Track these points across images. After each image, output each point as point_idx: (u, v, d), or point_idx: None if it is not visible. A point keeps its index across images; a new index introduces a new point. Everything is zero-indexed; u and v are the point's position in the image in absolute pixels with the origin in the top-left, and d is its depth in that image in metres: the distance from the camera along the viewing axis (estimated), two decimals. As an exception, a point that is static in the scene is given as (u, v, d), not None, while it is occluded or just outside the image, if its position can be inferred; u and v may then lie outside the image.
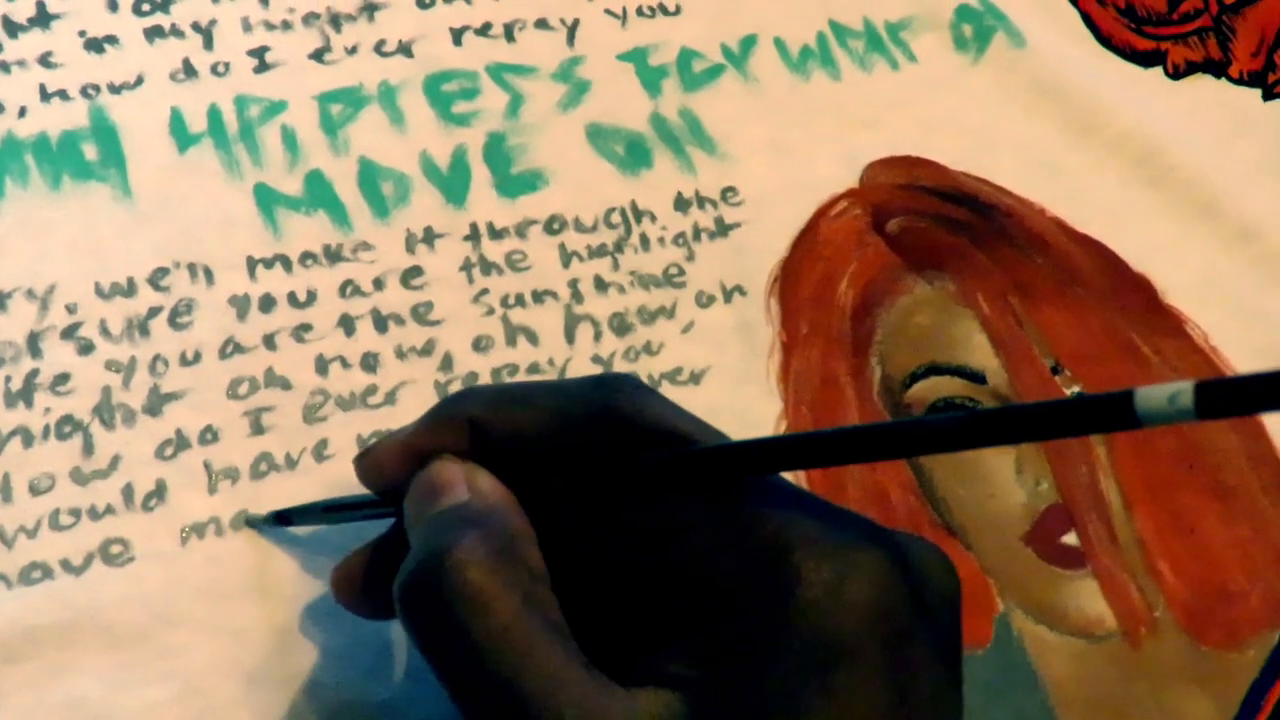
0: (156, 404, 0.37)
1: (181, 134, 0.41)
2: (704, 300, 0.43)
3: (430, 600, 0.27)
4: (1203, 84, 0.53)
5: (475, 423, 0.30)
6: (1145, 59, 0.53)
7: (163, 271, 0.39)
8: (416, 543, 0.29)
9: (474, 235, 0.42)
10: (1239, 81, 0.53)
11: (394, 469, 0.31)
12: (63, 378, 0.37)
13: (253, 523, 0.37)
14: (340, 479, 0.36)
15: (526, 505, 0.29)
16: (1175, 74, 0.53)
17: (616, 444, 0.29)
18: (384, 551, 0.32)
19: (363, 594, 0.32)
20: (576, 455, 0.29)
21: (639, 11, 0.47)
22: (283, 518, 0.36)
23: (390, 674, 0.35)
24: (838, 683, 0.25)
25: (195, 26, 0.43)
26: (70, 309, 0.38)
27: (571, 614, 0.27)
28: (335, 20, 0.44)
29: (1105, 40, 0.53)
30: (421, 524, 0.29)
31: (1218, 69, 0.53)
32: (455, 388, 0.39)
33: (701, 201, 0.44)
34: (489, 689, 0.26)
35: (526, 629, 0.26)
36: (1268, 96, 0.53)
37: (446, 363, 0.40)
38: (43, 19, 0.41)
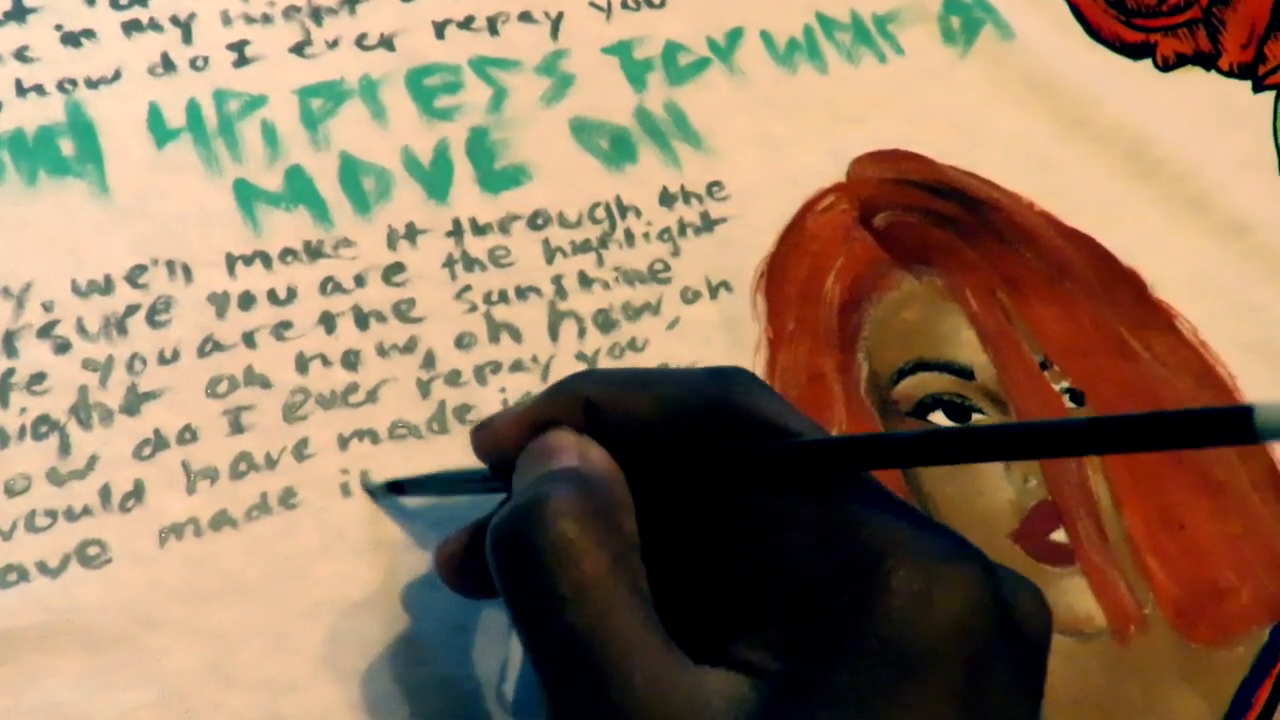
0: (134, 403, 0.37)
1: (160, 129, 0.41)
2: (689, 296, 0.42)
3: (521, 545, 0.27)
4: (1192, 76, 0.53)
5: (591, 402, 0.30)
6: (1134, 51, 0.52)
7: (141, 269, 0.38)
8: (517, 495, 0.29)
9: (457, 231, 0.41)
10: (1229, 74, 0.53)
11: (509, 440, 0.31)
12: (39, 377, 0.36)
13: (369, 488, 0.37)
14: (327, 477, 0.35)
15: (632, 485, 0.29)
16: (1165, 66, 0.53)
17: (727, 436, 0.29)
18: (484, 532, 0.31)
19: (461, 572, 0.32)
20: (686, 443, 0.29)
21: (624, 4, 0.47)
22: (396, 487, 0.37)
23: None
24: (910, 694, 0.25)
25: (174, 20, 0.42)
26: (46, 307, 0.37)
27: (656, 592, 0.27)
28: (316, 13, 0.44)
29: (1094, 32, 0.52)
30: (529, 482, 0.29)
31: (1207, 61, 0.53)
32: (437, 386, 0.39)
33: (687, 196, 0.44)
34: (563, 641, 0.26)
35: (610, 588, 0.26)
36: (1258, 89, 0.53)
37: (429, 360, 0.39)
38: (18, 12, 0.41)
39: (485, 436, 0.32)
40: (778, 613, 0.27)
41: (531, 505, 0.27)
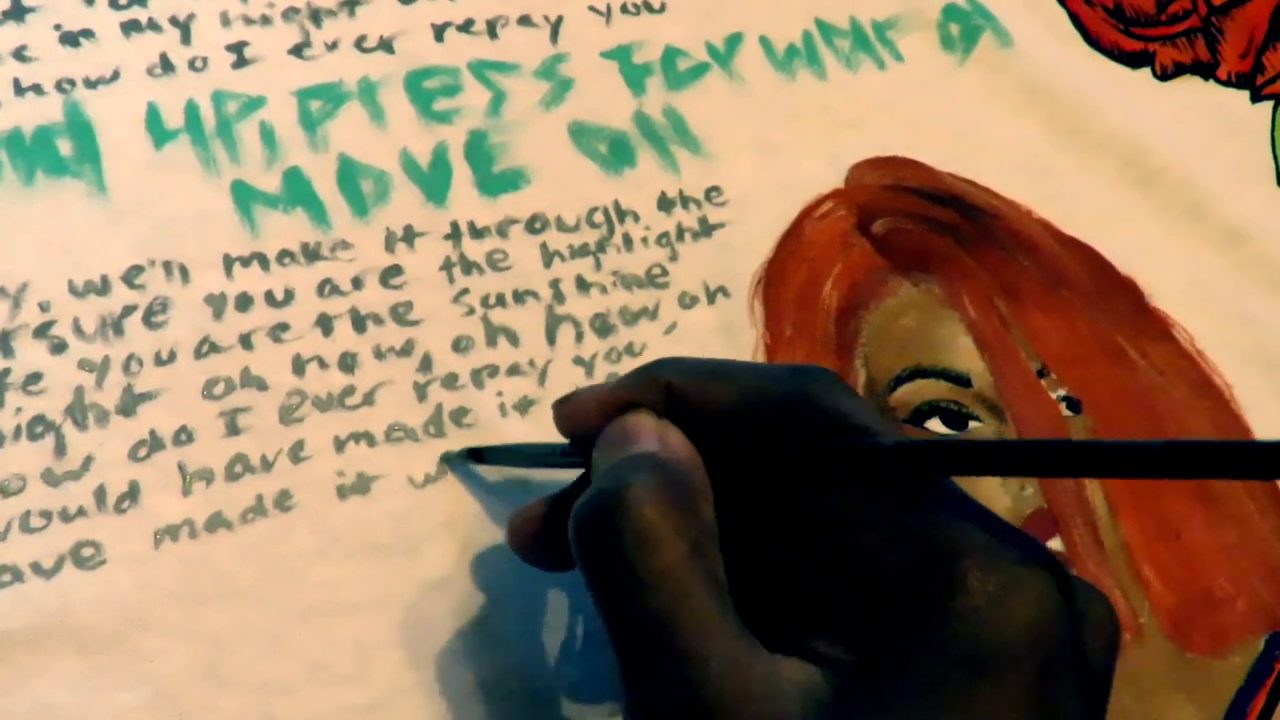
0: (130, 404, 0.37)
1: (158, 130, 0.40)
2: (687, 301, 0.42)
3: (603, 530, 0.27)
4: (1191, 85, 0.53)
5: (673, 389, 0.31)
6: (1133, 60, 0.53)
7: (138, 269, 0.38)
8: (598, 479, 0.29)
9: (455, 234, 0.41)
10: (1227, 83, 0.53)
11: (591, 417, 0.32)
12: (35, 377, 0.36)
13: (448, 459, 0.38)
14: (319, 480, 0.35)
15: (710, 473, 0.30)
16: (1163, 75, 0.53)
17: (805, 431, 0.29)
18: (561, 505, 0.32)
19: (534, 543, 0.33)
20: (765, 435, 0.29)
21: (623, 9, 0.47)
22: (476, 454, 0.37)
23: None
24: (981, 692, 0.25)
25: (173, 21, 0.42)
26: (43, 307, 0.37)
27: (731, 581, 0.28)
28: (315, 15, 0.44)
29: (1093, 41, 0.52)
30: (610, 465, 0.30)
31: (1206, 70, 0.53)
32: (434, 389, 0.39)
33: (685, 201, 0.44)
34: (642, 625, 0.26)
35: (688, 574, 0.27)
36: (1256, 98, 0.53)
37: (425, 363, 0.39)
38: (17, 12, 0.41)
39: (567, 412, 0.33)
40: (852, 607, 0.27)
41: (614, 491, 0.28)
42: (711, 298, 0.43)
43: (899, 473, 0.28)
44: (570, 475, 0.33)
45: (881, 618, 0.26)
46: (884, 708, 0.25)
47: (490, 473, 0.38)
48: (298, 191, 0.41)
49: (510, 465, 0.37)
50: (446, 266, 0.41)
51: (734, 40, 0.48)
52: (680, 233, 0.43)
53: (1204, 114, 0.52)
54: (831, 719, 0.25)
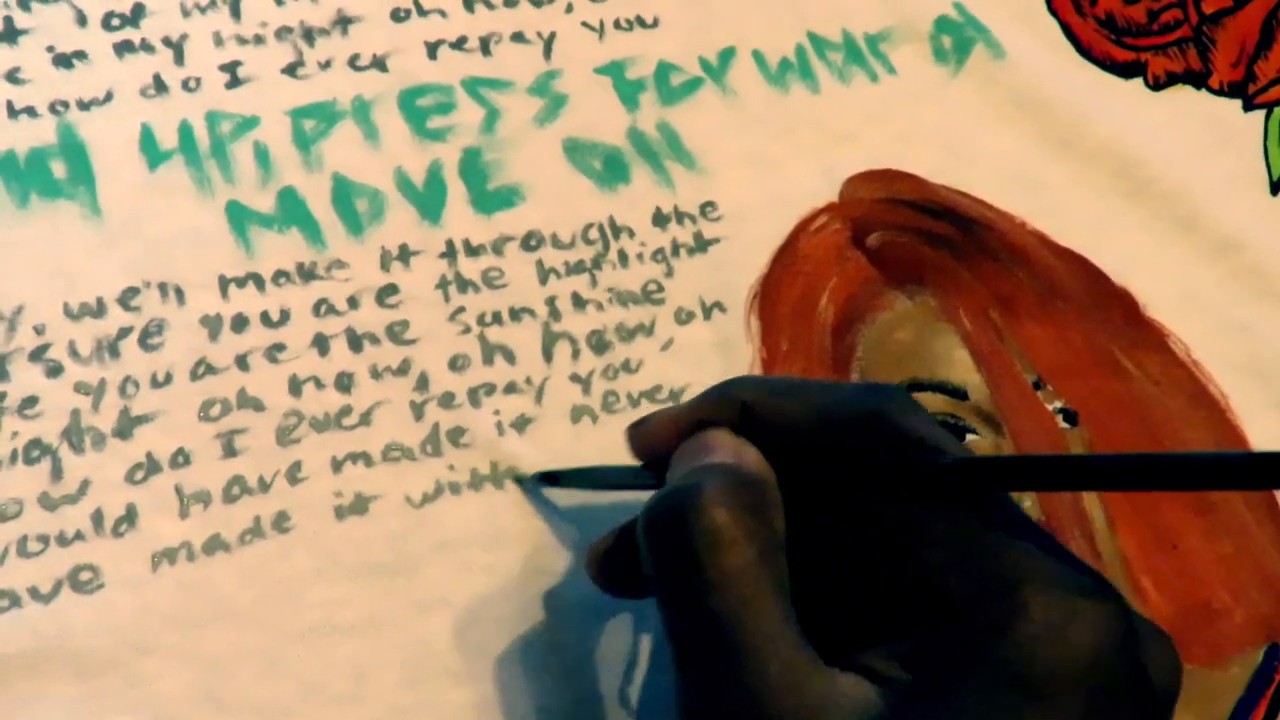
0: (127, 427, 0.36)
1: (152, 151, 0.40)
2: (683, 317, 0.42)
3: (675, 527, 0.28)
4: (1183, 95, 0.53)
5: (748, 407, 0.31)
6: (1125, 70, 0.53)
7: (133, 291, 0.38)
8: (672, 482, 0.30)
9: (450, 252, 0.41)
10: (1219, 92, 0.53)
11: (665, 438, 0.32)
12: (31, 400, 0.36)
13: (520, 481, 0.38)
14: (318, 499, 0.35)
15: (781, 488, 0.30)
16: (1155, 85, 0.53)
17: (878, 449, 0.29)
18: (628, 536, 0.32)
19: (609, 570, 0.33)
20: (839, 451, 0.29)
21: (616, 24, 0.47)
22: (550, 478, 0.38)
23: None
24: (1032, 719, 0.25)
25: (166, 41, 0.42)
26: (38, 330, 0.37)
27: (794, 593, 0.28)
28: (308, 34, 0.44)
29: (1085, 51, 0.52)
30: (685, 473, 0.30)
31: (1198, 80, 0.53)
32: (430, 408, 0.39)
33: (680, 217, 0.44)
34: (705, 626, 0.27)
35: (755, 579, 0.27)
36: (1248, 107, 0.53)
37: (422, 382, 0.39)
38: (10, 34, 0.41)
39: (642, 434, 0.34)
40: (911, 626, 0.27)
41: (688, 490, 0.28)
42: (708, 313, 0.43)
43: (969, 488, 0.28)
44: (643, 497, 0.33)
45: (939, 637, 0.26)
46: None
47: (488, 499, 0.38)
48: (292, 211, 0.41)
49: (583, 488, 0.38)
50: (442, 285, 0.41)
51: (727, 54, 0.48)
52: (675, 248, 0.43)
53: (1197, 124, 0.52)
54: None
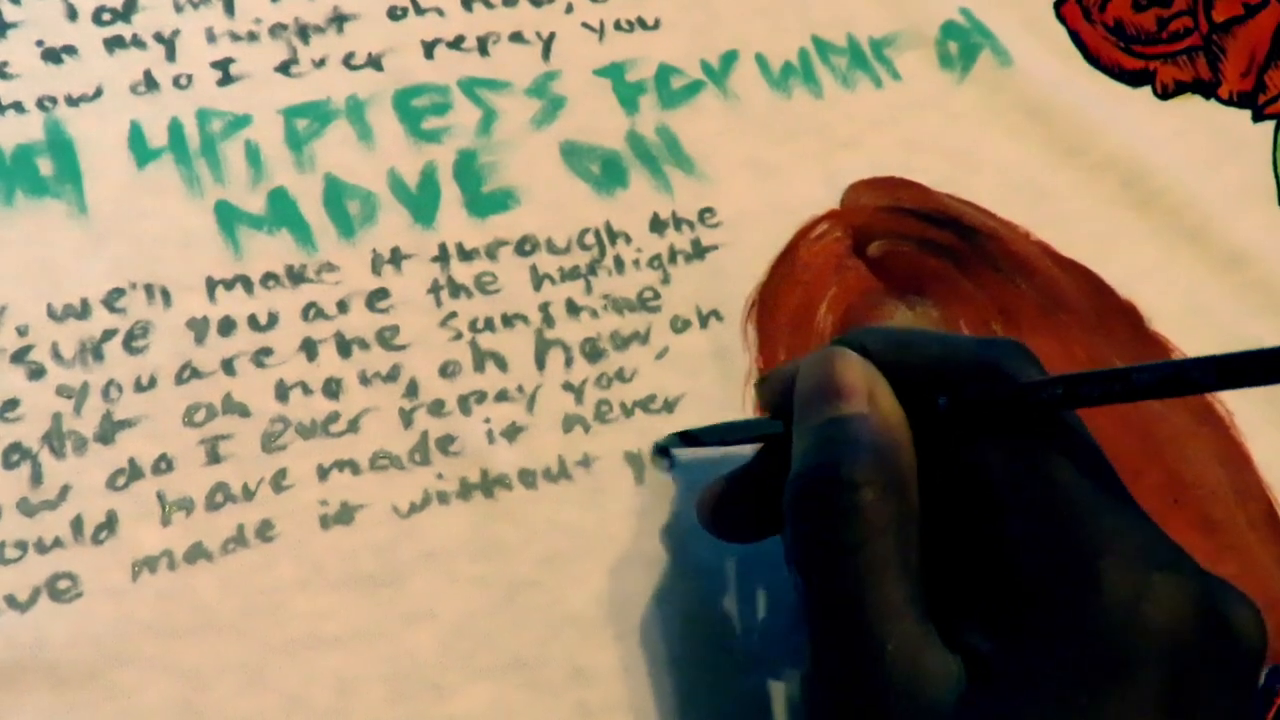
0: (109, 431, 0.36)
1: (141, 149, 0.40)
2: (679, 325, 0.42)
3: (818, 504, 0.29)
4: (1192, 104, 0.52)
5: (869, 355, 0.32)
6: (1134, 78, 0.52)
7: (118, 292, 0.38)
8: (811, 442, 0.30)
9: (442, 256, 0.41)
10: (1228, 102, 0.52)
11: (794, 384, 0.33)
12: (11, 403, 0.36)
13: (661, 445, 0.39)
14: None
15: None
16: (1164, 94, 0.52)
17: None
18: (738, 484, 0.35)
19: (716, 518, 0.35)
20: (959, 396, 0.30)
21: (617, 25, 0.46)
22: (688, 438, 0.38)
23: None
24: (1112, 696, 0.25)
25: (157, 37, 0.41)
26: (21, 331, 0.36)
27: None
28: (303, 31, 0.43)
29: (1093, 59, 0.52)
30: (820, 424, 0.31)
31: (1207, 89, 0.52)
32: (420, 415, 0.38)
33: (678, 223, 0.43)
34: (834, 601, 0.28)
35: (886, 559, 0.28)
36: (1258, 118, 0.52)
37: (412, 389, 0.38)
38: (-2, 28, 0.40)
39: (770, 388, 0.35)
40: (994, 598, 0.28)
41: (831, 467, 0.29)
42: (704, 321, 0.42)
43: (1064, 402, 0.29)
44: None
45: (1020, 610, 0.27)
46: (1013, 706, 0.26)
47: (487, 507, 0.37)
48: (283, 212, 0.40)
49: (721, 444, 0.37)
50: (434, 289, 0.40)
51: (729, 58, 0.47)
52: (673, 255, 0.43)
53: (1205, 134, 0.51)
54: (973, 716, 0.27)
